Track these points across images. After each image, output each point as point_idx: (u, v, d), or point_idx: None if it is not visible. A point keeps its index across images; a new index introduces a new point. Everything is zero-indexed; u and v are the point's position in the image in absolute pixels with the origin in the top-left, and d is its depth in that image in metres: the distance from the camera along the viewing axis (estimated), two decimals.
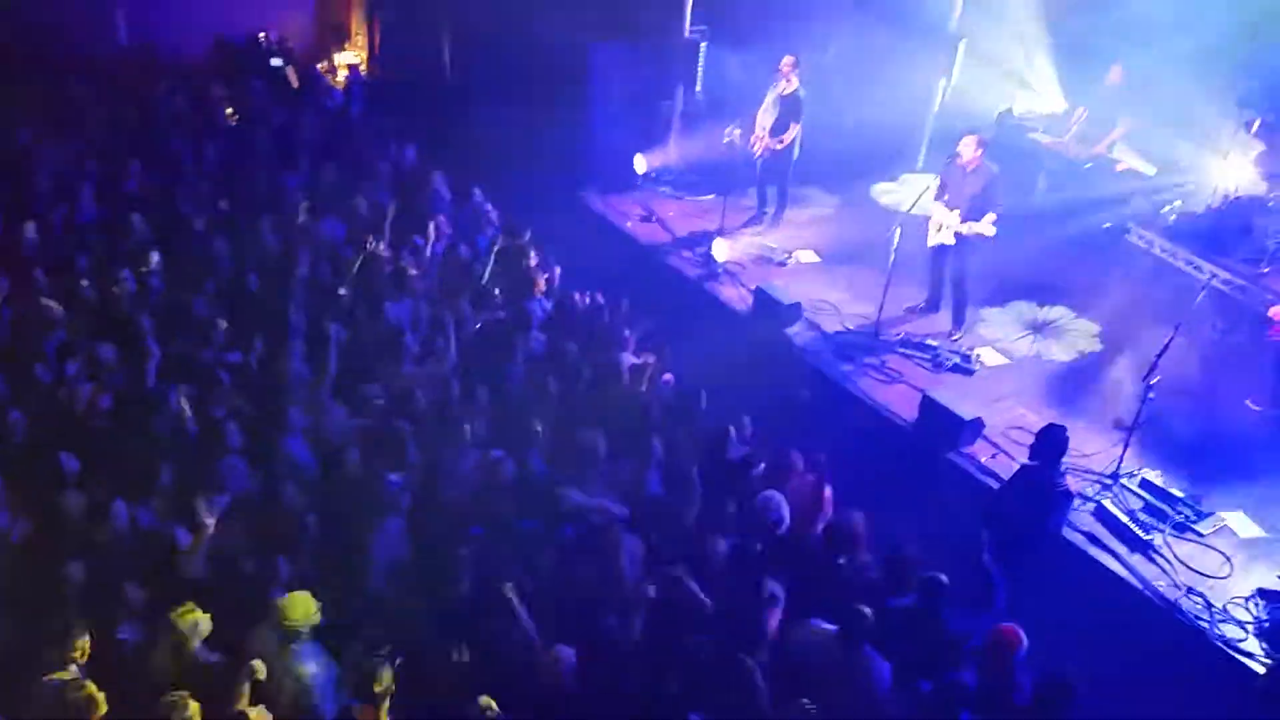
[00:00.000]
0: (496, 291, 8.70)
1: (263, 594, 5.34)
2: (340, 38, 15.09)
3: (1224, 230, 9.92)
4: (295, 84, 13.17)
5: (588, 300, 8.72)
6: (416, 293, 8.21)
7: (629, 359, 7.88)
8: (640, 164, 11.72)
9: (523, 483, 6.36)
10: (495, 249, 9.04)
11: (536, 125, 11.01)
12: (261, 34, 13.84)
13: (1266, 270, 9.44)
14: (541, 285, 8.92)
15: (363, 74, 14.24)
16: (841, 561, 6.02)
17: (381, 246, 8.82)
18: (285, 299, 7.91)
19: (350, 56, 14.82)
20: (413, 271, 8.33)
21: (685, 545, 6.06)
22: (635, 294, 9.11)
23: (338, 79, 14.15)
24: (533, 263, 9.07)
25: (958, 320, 9.21)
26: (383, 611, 5.60)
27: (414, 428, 6.59)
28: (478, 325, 8.14)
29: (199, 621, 5.03)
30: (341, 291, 8.13)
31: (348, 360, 7.33)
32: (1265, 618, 6.33)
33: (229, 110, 11.80)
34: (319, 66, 14.19)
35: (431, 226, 9.10)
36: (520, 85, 11.59)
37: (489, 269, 8.93)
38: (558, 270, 9.30)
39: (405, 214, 9.57)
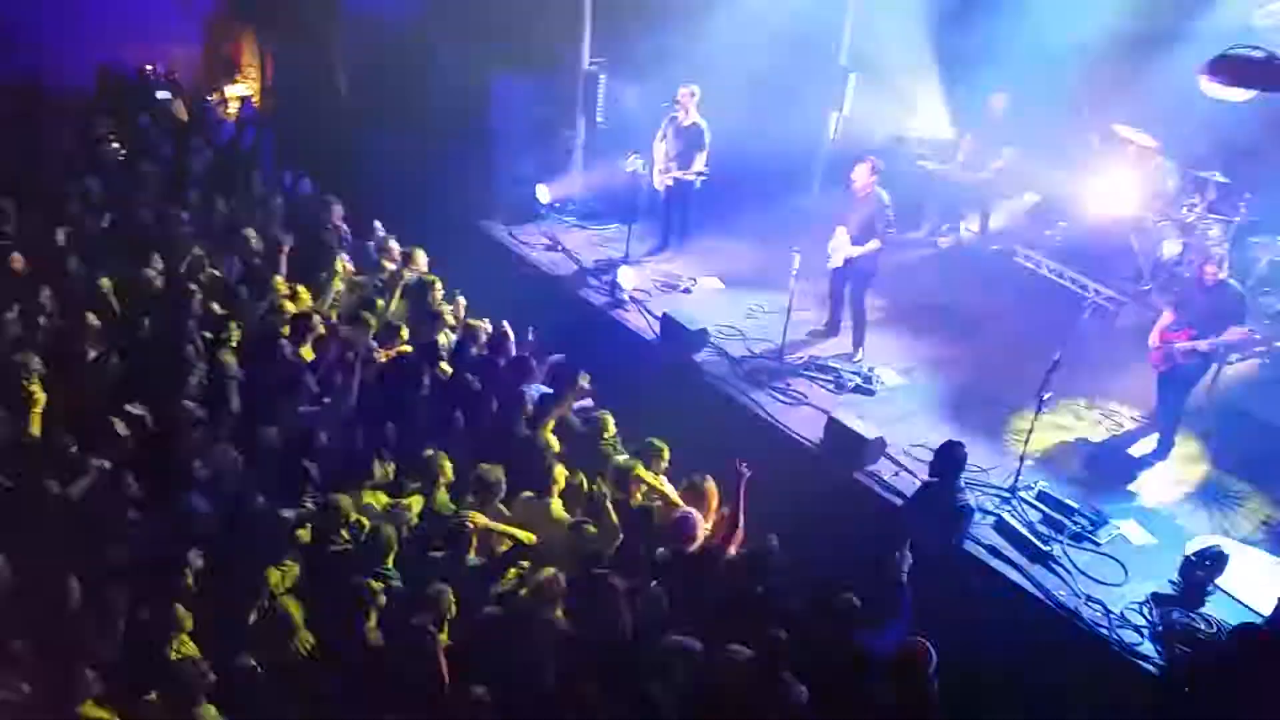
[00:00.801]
0: (401, 325, 8.57)
1: (160, 650, 5.13)
2: (231, 70, 14.77)
3: (1105, 250, 10.43)
4: (184, 117, 12.82)
5: (494, 332, 8.64)
6: (316, 328, 8.02)
7: (537, 390, 7.83)
8: (544, 194, 11.74)
9: (429, 517, 6.26)
10: (399, 282, 8.91)
11: (438, 156, 10.95)
12: (148, 66, 13.45)
13: (1147, 287, 9.94)
14: (447, 318, 8.81)
15: (255, 106, 13.94)
16: (756, 587, 6.06)
17: (279, 281, 8.61)
18: (179, 340, 7.63)
19: (242, 89, 14.51)
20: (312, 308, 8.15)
21: (599, 578, 6.02)
22: (542, 324, 9.08)
23: (229, 111, 13.83)
24: (438, 295, 8.97)
25: (857, 341, 9.44)
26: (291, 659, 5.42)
27: (316, 466, 6.42)
28: (382, 359, 7.99)
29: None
30: (236, 330, 7.88)
31: (245, 402, 7.10)
32: (1159, 621, 6.58)
33: (114, 144, 11.40)
34: (209, 99, 13.84)
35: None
36: (420, 117, 11.52)
37: (394, 302, 8.80)
38: (463, 302, 9.22)
39: (303, 249, 9.36)
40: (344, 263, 9.28)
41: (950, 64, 12.32)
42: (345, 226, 10.03)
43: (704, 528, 6.37)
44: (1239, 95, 6.21)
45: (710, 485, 6.79)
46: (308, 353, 7.79)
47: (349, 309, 8.67)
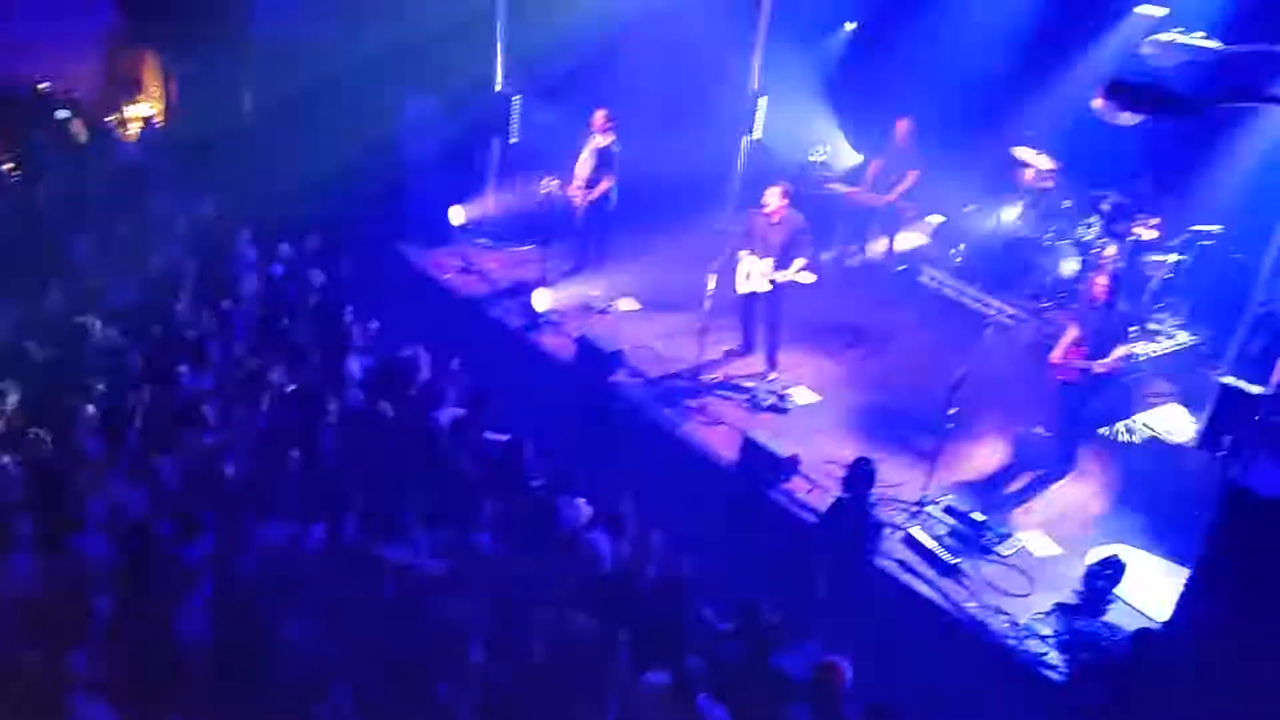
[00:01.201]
0: (309, 350, 8.38)
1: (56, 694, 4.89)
2: (132, 89, 14.32)
3: (1007, 269, 10.77)
4: (83, 137, 12.39)
5: (407, 356, 8.52)
6: (218, 356, 7.79)
7: (451, 414, 7.74)
8: (457, 215, 11.64)
9: (336, 551, 6.10)
10: (307, 305, 8.73)
11: (348, 178, 10.78)
12: (44, 84, 12.97)
13: (1047, 305, 10.28)
14: (358, 342, 8.66)
15: (158, 126, 13.55)
16: (672, 610, 6.06)
17: (180, 306, 8.36)
18: (76, 369, 7.35)
19: (144, 109, 14.09)
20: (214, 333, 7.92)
21: (517, 604, 5.95)
22: (457, 347, 8.98)
23: (130, 132, 13.41)
24: (348, 319, 8.81)
25: (771, 361, 9.55)
26: (196, 698, 5.22)
27: (217, 499, 6.23)
28: (289, 386, 7.81)
29: None
30: (137, 357, 7.63)
31: (144, 432, 6.86)
32: (1063, 631, 6.77)
33: (8, 165, 10.96)
34: (109, 119, 13.40)
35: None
36: (330, 138, 11.34)
37: (304, 326, 8.61)
38: (375, 325, 9.07)
39: (207, 272, 9.12)
40: (249, 286, 9.06)
41: (858, 89, 12.64)
42: (251, 250, 9.80)
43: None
44: (1129, 119, 6.47)
45: (628, 507, 6.79)
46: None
47: (254, 334, 8.46)
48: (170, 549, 5.86)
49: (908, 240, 12.23)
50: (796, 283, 9.08)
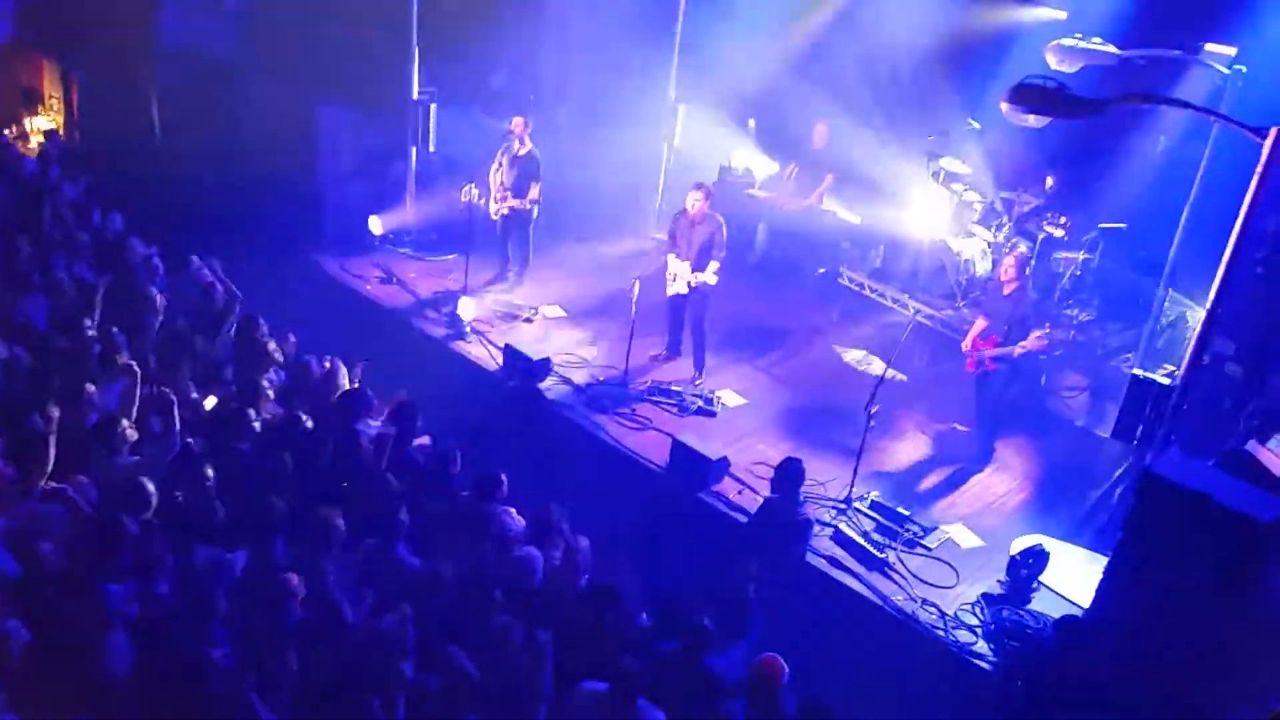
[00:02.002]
0: (225, 365, 8.14)
1: None
2: (32, 101, 13.80)
3: (923, 270, 11.01)
4: None
5: (327, 368, 8.33)
6: (130, 373, 7.50)
7: (375, 427, 7.58)
8: (376, 225, 11.47)
9: (262, 573, 5.91)
10: (220, 321, 8.47)
11: (261, 189, 10.54)
12: None
13: (962, 304, 10.53)
14: (276, 355, 8.42)
15: (61, 140, 13.07)
16: (605, 617, 6.01)
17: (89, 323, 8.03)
18: None
19: (45, 121, 13.59)
20: (124, 350, 7.61)
21: (446, 616, 5.84)
22: (381, 358, 8.82)
23: (30, 146, 12.91)
24: (264, 332, 8.56)
25: (698, 365, 9.60)
26: None
27: (135, 522, 5.97)
28: (205, 403, 7.57)
29: None
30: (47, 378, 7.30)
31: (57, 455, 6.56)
32: (990, 621, 6.92)
33: None
34: (7, 133, 12.89)
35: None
36: (241, 148, 11.08)
37: (218, 341, 8.36)
38: (293, 339, 8.84)
39: (116, 287, 8.79)
40: (159, 302, 8.75)
41: (775, 95, 12.80)
42: (160, 264, 9.48)
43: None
44: (1036, 122, 6.68)
45: (557, 514, 6.73)
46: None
47: (165, 350, 8.18)
48: (87, 574, 5.60)
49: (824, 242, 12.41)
50: (709, 285, 9.16)
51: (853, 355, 10.35)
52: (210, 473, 6.49)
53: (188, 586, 5.70)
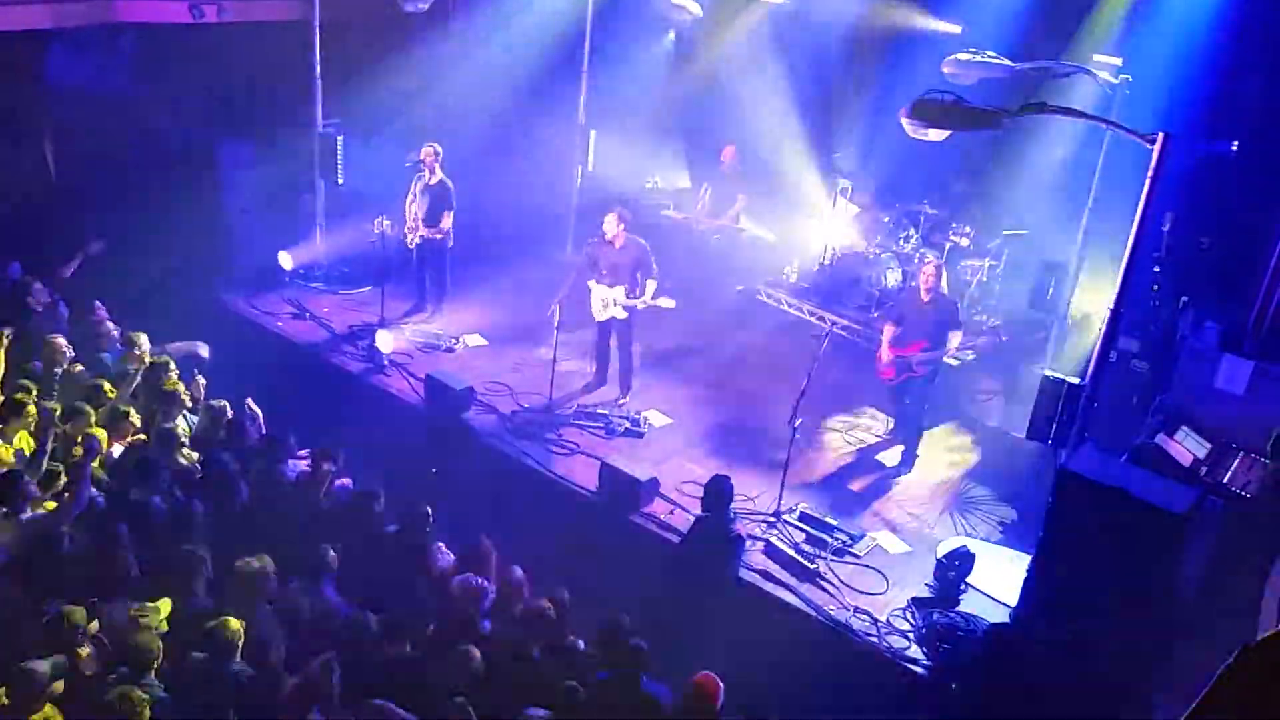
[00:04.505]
0: (132, 412, 7.84)
1: None
2: None
3: (837, 283, 11.22)
4: None
5: (240, 412, 8.09)
6: (36, 425, 7.18)
7: (295, 467, 7.38)
8: (286, 260, 11.22)
9: (187, 621, 5.69)
10: (127, 366, 8.16)
11: (163, 228, 10.22)
12: None
13: (876, 315, 10.75)
14: (186, 400, 8.15)
15: None
16: (543, 644, 5.94)
17: None
18: None
19: None
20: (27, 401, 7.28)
21: (376, 657, 5.70)
22: (297, 397, 8.62)
23: None
24: (173, 376, 8.28)
25: (625, 387, 9.59)
26: None
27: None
28: (113, 452, 7.27)
29: None
30: None
31: None
32: (921, 624, 7.01)
33: None
34: None
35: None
36: (141, 187, 10.74)
37: (125, 387, 8.05)
38: (202, 381, 8.56)
39: (18, 334, 8.42)
40: (62, 349, 8.40)
41: (684, 118, 12.96)
42: (64, 309, 9.12)
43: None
44: (937, 135, 6.87)
45: (487, 545, 6.63)
46: (26, 444, 6.98)
47: (70, 398, 7.85)
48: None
49: (743, 261, 12.59)
50: (658, 308, 9.20)
51: (773, 369, 10.47)
52: (123, 524, 6.22)
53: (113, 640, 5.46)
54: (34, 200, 11.51)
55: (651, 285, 9.12)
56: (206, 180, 11.00)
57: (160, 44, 11.39)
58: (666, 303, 9.26)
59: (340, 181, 11.22)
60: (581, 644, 6.14)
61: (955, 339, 8.55)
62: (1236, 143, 9.02)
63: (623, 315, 9.25)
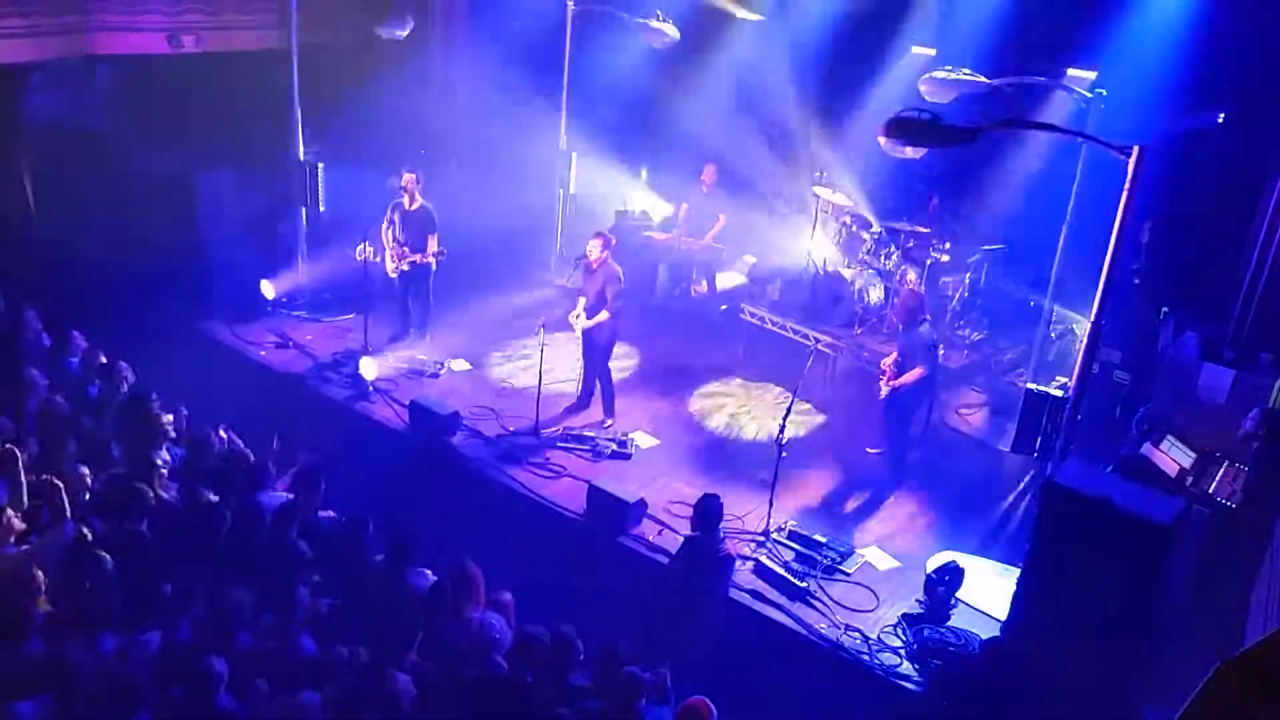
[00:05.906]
0: (112, 444, 7.76)
1: None
2: None
3: (819, 300, 11.25)
4: None
5: (223, 440, 8.03)
6: (11, 460, 7.09)
7: (277, 498, 7.32)
8: (268, 289, 11.18)
9: (171, 656, 5.62)
10: (107, 398, 8.10)
11: (144, 259, 10.19)
12: None
13: (859, 331, 10.78)
14: (168, 430, 8.08)
15: None
16: (535, 670, 5.89)
17: None
18: None
19: None
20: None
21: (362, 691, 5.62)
22: (281, 426, 8.54)
23: None
24: (155, 406, 8.22)
25: (608, 409, 9.58)
26: None
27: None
28: (95, 484, 7.19)
29: None
30: None
31: None
32: (912, 640, 6.99)
33: None
34: None
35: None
36: (121, 219, 10.70)
37: (104, 419, 7.98)
38: (185, 411, 8.49)
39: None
40: (38, 381, 8.33)
41: (663, 140, 13.02)
42: (47, 340, 9.06)
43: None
44: (914, 152, 6.92)
45: (475, 571, 6.58)
46: None
47: (49, 430, 7.77)
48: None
49: (727, 280, 12.65)
50: (612, 328, 9.25)
51: (760, 388, 10.49)
52: (107, 557, 6.15)
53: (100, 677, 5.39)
54: (14, 235, 11.47)
55: (601, 316, 9.16)
56: (186, 211, 10.96)
57: (138, 74, 11.40)
58: (589, 324, 9.24)
59: (321, 209, 11.20)
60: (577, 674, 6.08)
61: (909, 376, 8.52)
62: (1223, 115, 9.08)
63: (579, 335, 9.34)
